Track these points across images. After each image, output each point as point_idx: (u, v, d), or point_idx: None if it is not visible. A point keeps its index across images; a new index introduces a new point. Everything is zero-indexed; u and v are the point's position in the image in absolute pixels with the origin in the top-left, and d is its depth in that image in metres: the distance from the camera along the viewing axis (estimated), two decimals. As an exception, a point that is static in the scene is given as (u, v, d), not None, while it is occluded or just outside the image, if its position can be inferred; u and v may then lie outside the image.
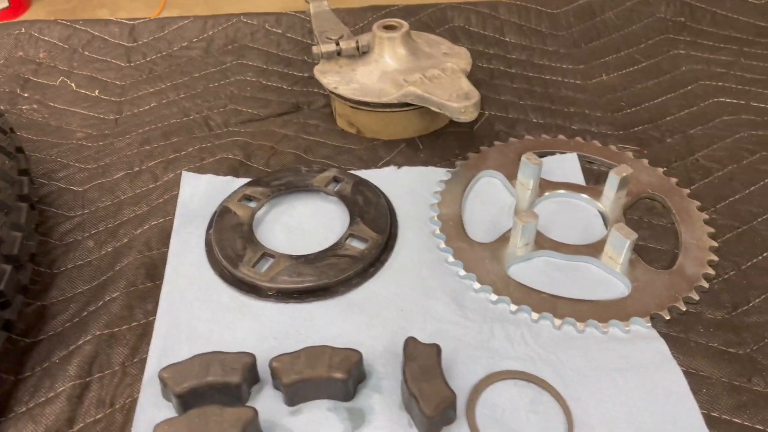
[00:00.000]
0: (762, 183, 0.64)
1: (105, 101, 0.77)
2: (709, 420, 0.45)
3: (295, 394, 0.46)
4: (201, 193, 0.63)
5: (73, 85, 0.80)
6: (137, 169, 0.66)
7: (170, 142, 0.70)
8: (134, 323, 0.52)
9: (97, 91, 0.79)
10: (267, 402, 0.47)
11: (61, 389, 0.47)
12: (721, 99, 0.77)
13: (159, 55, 0.85)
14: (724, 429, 0.45)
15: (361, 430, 0.45)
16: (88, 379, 0.48)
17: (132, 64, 0.83)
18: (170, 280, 0.55)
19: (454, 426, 0.45)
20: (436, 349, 0.46)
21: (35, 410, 0.46)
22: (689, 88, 0.79)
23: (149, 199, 0.63)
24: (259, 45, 0.86)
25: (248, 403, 0.47)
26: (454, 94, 0.63)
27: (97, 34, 0.87)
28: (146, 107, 0.76)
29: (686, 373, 0.48)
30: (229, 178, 0.65)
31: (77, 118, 0.75)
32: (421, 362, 0.45)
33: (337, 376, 0.45)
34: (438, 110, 0.64)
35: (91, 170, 0.66)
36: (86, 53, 0.85)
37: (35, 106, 0.77)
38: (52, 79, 0.81)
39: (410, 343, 0.46)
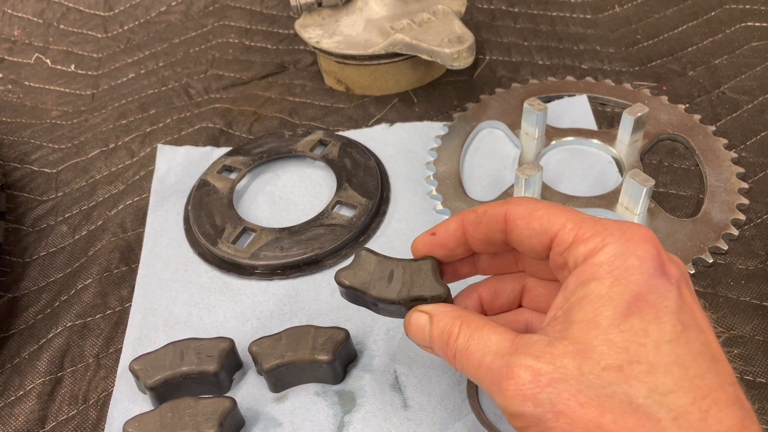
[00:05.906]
0: (798, 113, 0.57)
1: (81, 76, 0.73)
2: (743, 384, 0.40)
3: (279, 379, 0.42)
4: (178, 167, 0.58)
5: (48, 61, 0.76)
6: (113, 145, 0.62)
7: (147, 115, 0.65)
8: (108, 311, 0.48)
9: (73, 66, 0.74)
10: (250, 389, 0.43)
11: (30, 387, 0.44)
12: (749, 23, 0.69)
13: (137, 22, 0.80)
14: (760, 393, 0.40)
15: (352, 415, 0.41)
16: (59, 374, 0.45)
17: (109, 34, 0.79)
18: (146, 263, 0.51)
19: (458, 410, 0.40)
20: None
21: (3, 411, 0.43)
22: (713, 13, 0.71)
23: (125, 177, 0.59)
24: (242, 3, 0.80)
25: (230, 392, 0.43)
26: (446, 39, 0.57)
27: (72, 5, 0.82)
28: (124, 79, 0.72)
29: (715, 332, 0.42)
30: (208, 148, 0.60)
31: (53, 95, 0.71)
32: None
33: (322, 358, 0.41)
34: (429, 58, 0.58)
35: (65, 150, 0.62)
36: (62, 27, 0.80)
37: (10, 86, 0.73)
38: (27, 56, 0.77)
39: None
